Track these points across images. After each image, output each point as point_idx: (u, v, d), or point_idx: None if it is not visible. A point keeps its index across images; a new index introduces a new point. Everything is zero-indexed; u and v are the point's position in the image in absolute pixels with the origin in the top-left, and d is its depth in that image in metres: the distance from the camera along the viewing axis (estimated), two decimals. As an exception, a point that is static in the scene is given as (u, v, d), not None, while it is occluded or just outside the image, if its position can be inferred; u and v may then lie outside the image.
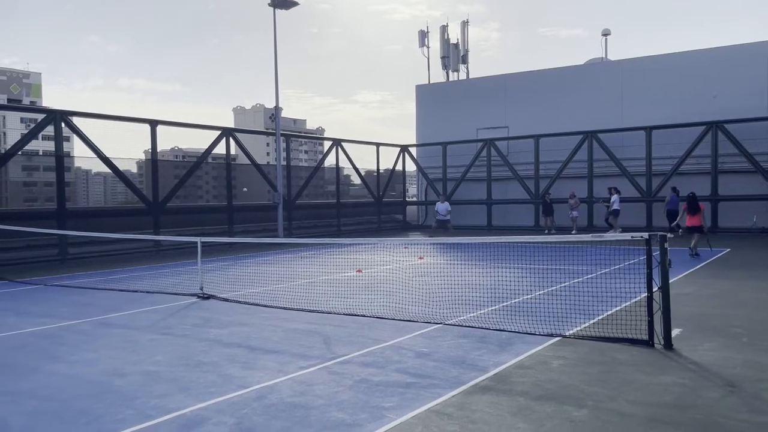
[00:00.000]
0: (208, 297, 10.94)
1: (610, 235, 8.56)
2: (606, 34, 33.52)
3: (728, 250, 17.59)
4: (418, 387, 5.74)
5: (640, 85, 26.70)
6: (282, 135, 24.98)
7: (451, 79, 35.40)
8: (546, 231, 25.52)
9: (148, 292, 11.85)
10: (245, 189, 26.11)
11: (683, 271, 13.06)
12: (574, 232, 23.97)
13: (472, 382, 5.82)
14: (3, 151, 20.16)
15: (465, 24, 36.58)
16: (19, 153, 20.84)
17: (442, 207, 23.90)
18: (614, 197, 23.25)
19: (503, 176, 28.67)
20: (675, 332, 7.34)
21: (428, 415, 5.00)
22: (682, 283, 11.66)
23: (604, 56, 32.84)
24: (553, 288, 11.11)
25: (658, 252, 6.97)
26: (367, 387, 5.77)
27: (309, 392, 5.65)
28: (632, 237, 7.29)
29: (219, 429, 4.80)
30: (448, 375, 6.10)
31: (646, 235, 7.08)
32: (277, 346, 7.46)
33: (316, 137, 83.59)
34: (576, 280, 11.83)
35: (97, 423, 5.00)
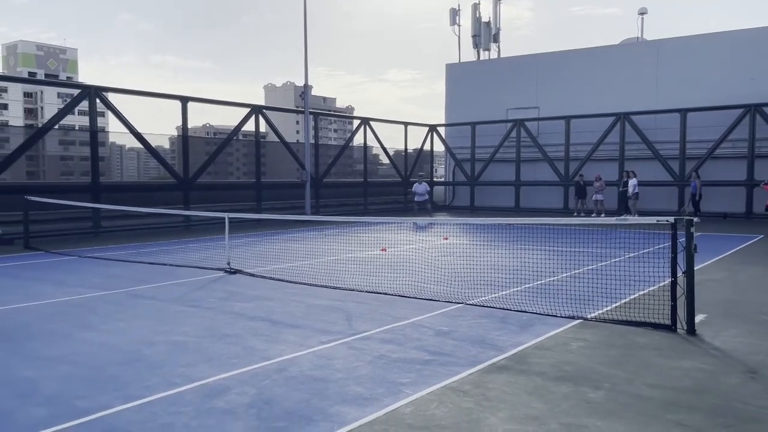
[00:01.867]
0: (235, 272, 11.15)
1: (634, 219, 8.47)
2: (642, 12, 32.64)
3: (762, 236, 17.20)
4: (436, 364, 5.82)
5: (676, 65, 25.99)
6: (310, 113, 25.06)
7: (482, 58, 34.94)
8: (575, 213, 25.26)
9: (177, 265, 12.12)
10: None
11: (714, 257, 12.82)
12: (595, 215, 23.69)
13: (490, 361, 5.87)
14: (40, 126, 20.65)
15: (497, 2, 35.95)
16: (56, 127, 21.37)
17: (420, 188, 23.68)
18: (633, 181, 22.93)
19: (532, 157, 28.36)
20: (700, 318, 7.26)
21: (444, 392, 5.08)
22: (713, 268, 11.46)
23: (639, 36, 32.01)
24: (578, 271, 11.03)
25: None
26: (385, 363, 5.86)
27: (329, 366, 5.77)
28: (657, 221, 7.21)
29: (240, 398, 4.95)
30: (467, 354, 6.16)
31: (672, 219, 6.99)
32: (299, 321, 7.61)
33: (344, 115, 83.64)
34: (602, 264, 11.72)
35: (125, 389, 5.20)
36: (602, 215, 23.41)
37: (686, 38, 26.36)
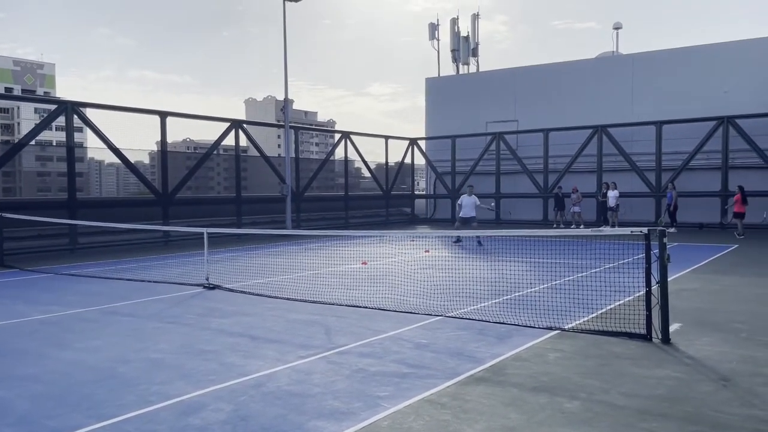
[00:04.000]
0: (214, 287, 11.08)
1: (609, 230, 8.59)
2: (617, 27, 33.29)
3: (737, 245, 17.50)
4: (414, 377, 5.82)
5: (651, 79, 26.51)
6: (291, 127, 25.07)
7: (461, 72, 35.30)
8: (554, 225, 25.48)
9: (155, 281, 12.01)
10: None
11: (690, 267, 13.00)
12: (574, 226, 23.96)
13: (468, 373, 5.89)
14: (15, 141, 20.38)
15: (476, 17, 36.44)
16: (33, 143, 21.12)
17: (469, 201, 18.82)
18: (614, 192, 23.23)
19: (512, 170, 28.62)
20: (674, 327, 7.37)
21: (422, 405, 5.08)
22: (688, 278, 11.62)
23: (615, 50, 32.61)
24: (557, 282, 11.13)
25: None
26: (363, 377, 5.86)
27: (307, 381, 5.75)
28: (632, 232, 7.31)
29: (216, 415, 4.91)
30: (445, 366, 6.18)
31: (645, 230, 7.11)
32: (278, 336, 7.57)
33: (324, 129, 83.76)
34: (580, 275, 11.82)
35: (99, 407, 5.12)
36: (581, 226, 23.66)
37: (660, 52, 26.91)
